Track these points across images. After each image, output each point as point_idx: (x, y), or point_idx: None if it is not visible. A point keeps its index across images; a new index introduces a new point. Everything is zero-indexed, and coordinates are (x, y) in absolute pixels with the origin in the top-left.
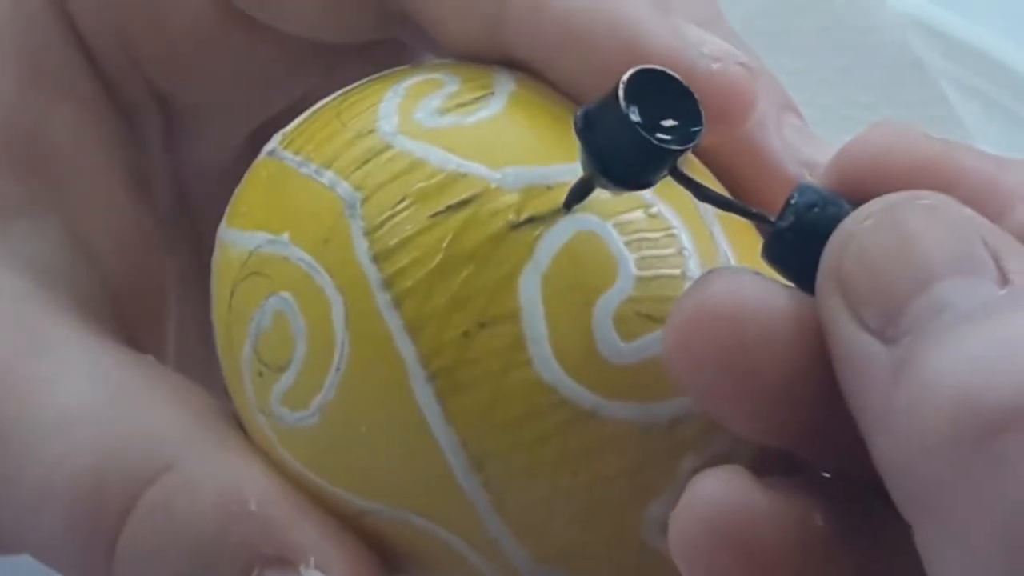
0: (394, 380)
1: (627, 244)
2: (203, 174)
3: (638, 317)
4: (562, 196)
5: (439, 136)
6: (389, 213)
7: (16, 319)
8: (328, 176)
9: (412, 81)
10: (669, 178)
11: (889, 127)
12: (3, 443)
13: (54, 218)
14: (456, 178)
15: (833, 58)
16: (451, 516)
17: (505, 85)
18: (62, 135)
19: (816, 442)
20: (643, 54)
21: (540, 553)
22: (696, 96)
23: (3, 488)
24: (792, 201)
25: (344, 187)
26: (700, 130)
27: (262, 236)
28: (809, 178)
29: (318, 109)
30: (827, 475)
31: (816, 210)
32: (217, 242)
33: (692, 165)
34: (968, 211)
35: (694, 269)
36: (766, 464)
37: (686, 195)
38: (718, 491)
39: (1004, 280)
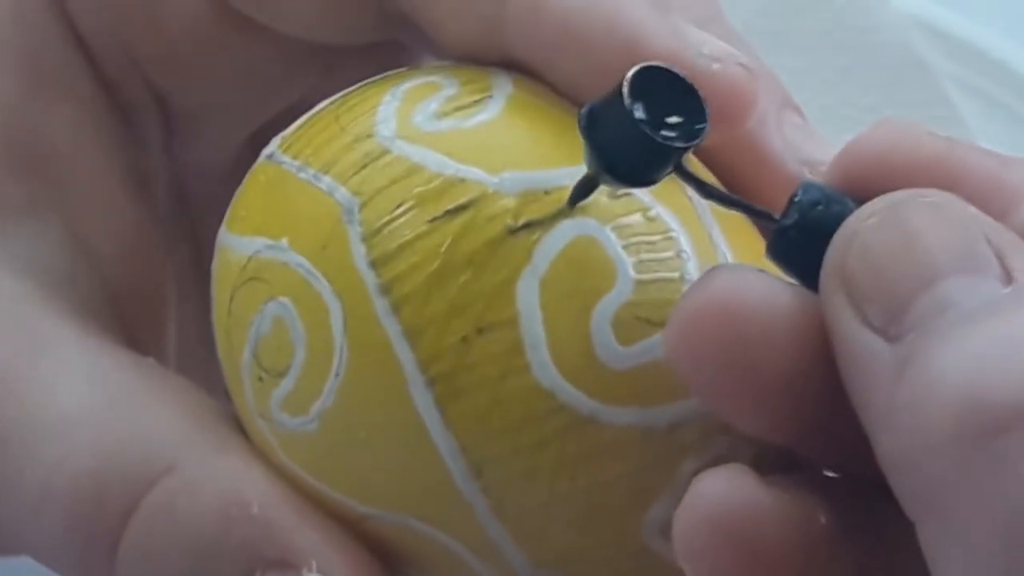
0: (393, 386)
1: (625, 248)
2: (203, 175)
3: (637, 321)
4: (560, 200)
5: (437, 140)
6: (387, 218)
7: (16, 320)
8: (326, 181)
9: (410, 84)
10: (670, 179)
11: (893, 125)
12: (3, 444)
13: (54, 219)
14: (454, 183)
15: (834, 58)
16: (451, 521)
17: (503, 88)
18: (62, 136)
19: (819, 440)
20: (642, 54)
21: (539, 557)
22: (700, 93)
23: (3, 489)
24: (796, 199)
25: (342, 192)
26: (704, 127)
27: (261, 241)
28: (810, 176)
29: (316, 113)
30: (830, 473)
31: (820, 208)
32: (217, 246)
33: (692, 164)
34: (972, 209)
35: (693, 272)
36: (768, 465)
37: (685, 198)
38: (721, 489)
39: (1008, 278)
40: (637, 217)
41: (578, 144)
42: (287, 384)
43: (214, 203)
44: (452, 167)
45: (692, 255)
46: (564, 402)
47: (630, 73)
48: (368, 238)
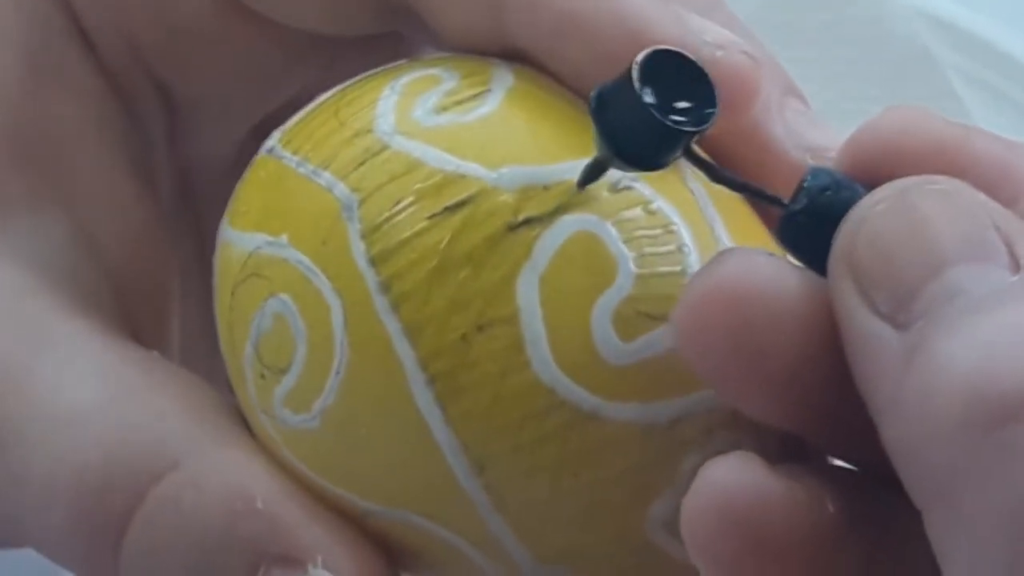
0: (394, 384)
1: (626, 242)
2: (207, 168)
3: (638, 316)
4: (559, 196)
5: (436, 135)
6: (386, 215)
7: (20, 315)
8: (326, 177)
9: (410, 77)
10: (672, 173)
11: (902, 110)
12: (7, 438)
13: (57, 213)
14: (453, 179)
15: (840, 50)
16: (453, 517)
17: (503, 80)
18: (65, 130)
19: (827, 427)
20: (646, 42)
21: (542, 553)
22: (710, 78)
23: (7, 484)
24: (805, 184)
25: (341, 188)
26: (714, 112)
27: (261, 237)
28: (812, 162)
29: (316, 106)
30: (837, 461)
31: (829, 193)
32: (218, 241)
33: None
34: (981, 196)
35: (695, 265)
36: (774, 455)
37: (687, 191)
38: (730, 477)
39: (1016, 266)
40: (638, 211)
41: (578, 137)
42: (289, 381)
43: (217, 196)
44: (451, 163)
45: (694, 248)
46: (565, 398)
47: (640, 57)
48: (367, 235)
